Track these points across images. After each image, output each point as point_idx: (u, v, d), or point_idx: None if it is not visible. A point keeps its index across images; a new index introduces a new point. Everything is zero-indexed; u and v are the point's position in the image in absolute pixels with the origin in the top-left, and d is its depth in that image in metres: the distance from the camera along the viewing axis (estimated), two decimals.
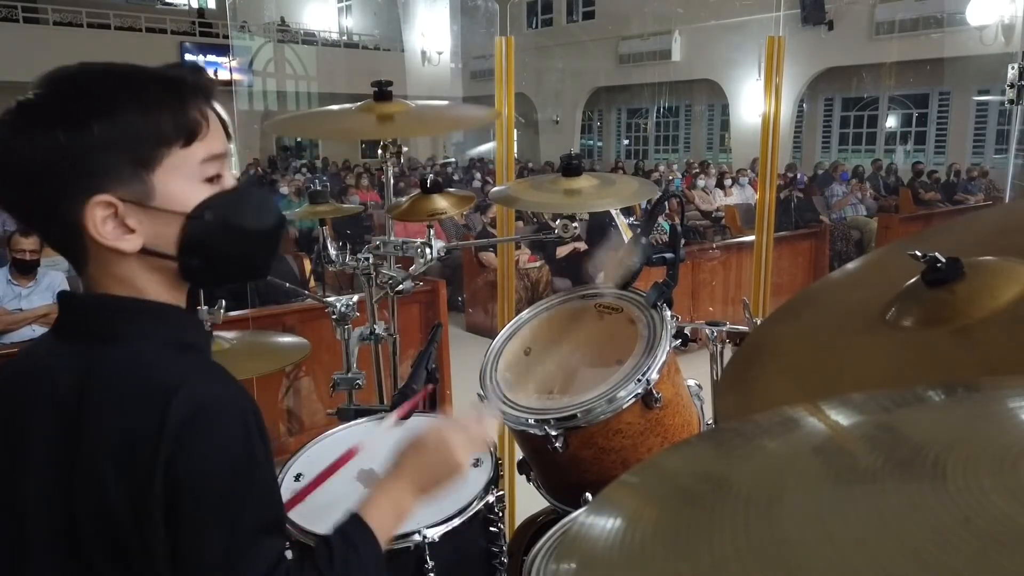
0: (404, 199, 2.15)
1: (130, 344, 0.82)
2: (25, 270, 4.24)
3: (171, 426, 0.75)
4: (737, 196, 10.75)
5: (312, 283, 5.95)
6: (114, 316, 0.83)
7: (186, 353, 0.84)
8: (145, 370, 0.80)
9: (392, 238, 2.04)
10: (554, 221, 1.98)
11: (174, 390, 0.76)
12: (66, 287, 4.39)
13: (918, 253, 0.78)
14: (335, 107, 2.06)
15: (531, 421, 1.40)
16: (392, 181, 2.29)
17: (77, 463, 0.78)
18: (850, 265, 1.12)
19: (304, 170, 13.96)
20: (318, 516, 1.36)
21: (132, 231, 0.79)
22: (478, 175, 13.47)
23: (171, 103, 0.79)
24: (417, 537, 1.32)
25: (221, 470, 0.77)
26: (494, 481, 1.44)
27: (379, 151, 2.07)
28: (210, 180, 0.82)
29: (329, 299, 2.09)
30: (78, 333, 0.84)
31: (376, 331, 2.09)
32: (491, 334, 1.74)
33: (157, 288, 0.84)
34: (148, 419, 0.75)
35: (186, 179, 0.80)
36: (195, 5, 19.62)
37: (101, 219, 0.78)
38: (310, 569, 0.83)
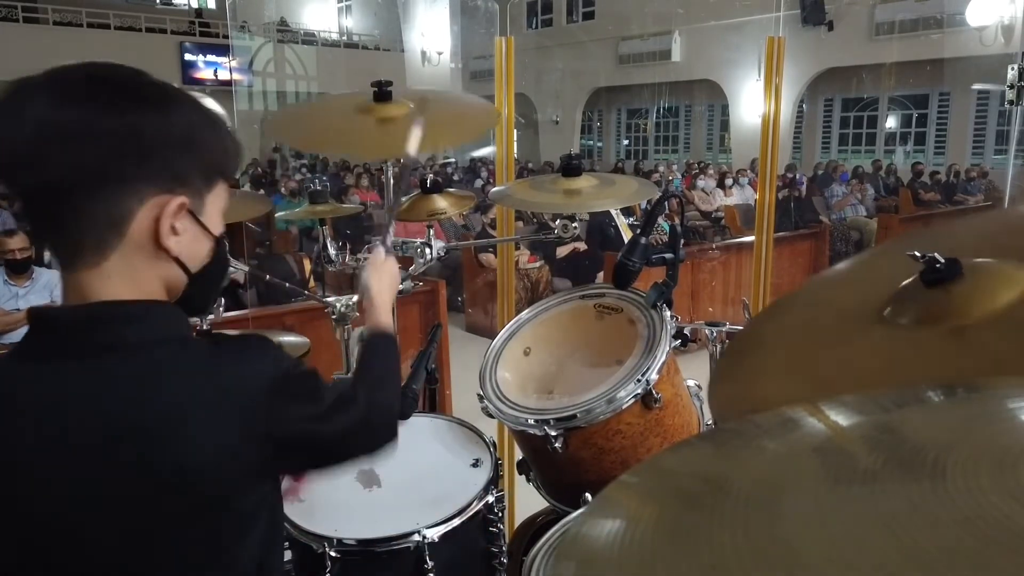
0: (404, 199, 2.15)
1: (152, 350, 0.81)
2: (19, 269, 4.23)
3: (264, 410, 0.82)
4: (737, 196, 10.75)
5: (312, 283, 5.94)
6: (125, 322, 0.81)
7: (201, 344, 0.87)
8: (205, 368, 0.83)
9: (392, 238, 2.04)
10: (554, 221, 1.98)
11: (242, 383, 0.82)
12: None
13: (917, 253, 0.78)
14: (334, 94, 2.05)
15: (531, 421, 1.40)
16: (392, 181, 2.29)
17: (153, 473, 0.77)
18: (846, 263, 1.12)
19: (304, 170, 13.96)
20: (318, 516, 1.37)
21: (178, 235, 0.83)
22: (484, 173, 13.47)
23: (233, 146, 0.89)
24: (417, 537, 1.32)
25: (313, 407, 0.87)
26: (494, 481, 1.44)
27: None
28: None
29: (329, 299, 2.09)
30: (81, 346, 0.79)
31: None
32: (491, 334, 1.74)
33: (158, 293, 0.86)
34: (241, 410, 0.81)
35: (218, 209, 0.89)
36: (195, 5, 19.62)
37: (172, 213, 0.82)
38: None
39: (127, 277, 0.82)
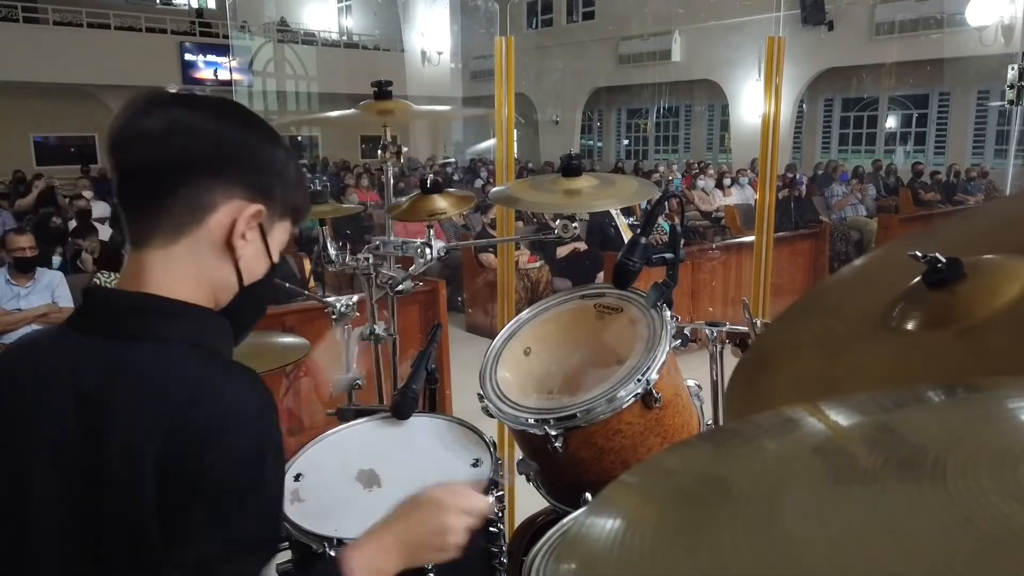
0: (404, 199, 2.16)
1: (159, 343, 0.84)
2: (25, 268, 4.26)
3: (196, 430, 0.78)
4: (737, 196, 10.76)
5: (312, 283, 5.94)
6: (146, 315, 0.85)
7: (214, 357, 0.86)
8: (174, 370, 0.82)
9: (392, 238, 2.04)
10: (554, 221, 1.98)
11: (202, 394, 0.80)
12: (65, 287, 4.40)
13: (918, 253, 0.77)
14: (334, 113, 2.06)
15: (531, 421, 1.40)
16: (392, 181, 2.30)
17: (102, 456, 0.78)
18: (854, 264, 1.11)
19: (303, 170, 13.96)
20: (318, 516, 1.36)
21: (245, 241, 0.90)
22: (484, 172, 13.48)
23: (309, 201, 1.01)
24: None
25: (235, 480, 0.79)
26: (494, 481, 1.44)
27: (379, 151, 2.07)
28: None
29: (329, 299, 2.09)
30: (104, 329, 0.85)
31: (376, 331, 2.09)
32: (491, 334, 1.74)
33: (208, 293, 0.90)
34: (177, 421, 0.78)
35: (279, 242, 0.96)
36: (195, 5, 19.62)
37: (248, 217, 0.88)
38: None
39: (187, 266, 0.87)
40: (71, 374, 0.83)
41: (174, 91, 0.91)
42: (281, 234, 0.95)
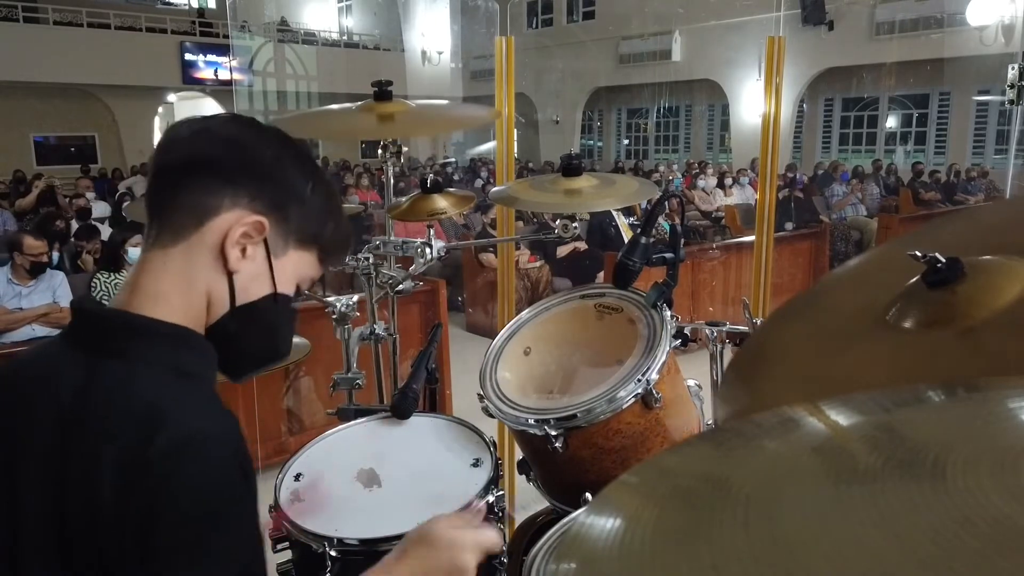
0: (404, 199, 2.15)
1: (133, 363, 0.82)
2: (36, 272, 4.29)
3: (157, 455, 0.75)
4: (737, 196, 10.76)
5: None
6: (124, 333, 0.83)
7: (187, 380, 0.84)
8: (141, 392, 0.79)
9: (392, 238, 2.04)
10: (554, 221, 1.98)
11: (164, 418, 0.77)
12: (66, 287, 4.40)
13: (918, 253, 0.77)
14: (335, 106, 2.06)
15: (531, 421, 1.40)
16: (392, 181, 2.29)
17: (71, 473, 0.77)
18: (851, 262, 1.11)
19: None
20: (318, 516, 1.36)
21: (244, 258, 0.87)
22: (484, 173, 13.48)
23: (342, 233, 0.96)
24: None
25: (198, 509, 0.76)
26: (494, 481, 1.44)
27: (379, 151, 2.07)
28: (297, 289, 0.95)
29: (329, 299, 2.09)
30: (85, 344, 0.84)
31: (376, 331, 2.09)
32: (491, 334, 1.74)
33: (198, 309, 0.87)
34: (137, 442, 0.75)
35: (296, 272, 0.93)
36: (195, 5, 19.62)
37: (246, 226, 0.85)
38: None
39: (183, 270, 0.85)
40: (55, 388, 0.82)
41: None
42: (299, 266, 0.92)
